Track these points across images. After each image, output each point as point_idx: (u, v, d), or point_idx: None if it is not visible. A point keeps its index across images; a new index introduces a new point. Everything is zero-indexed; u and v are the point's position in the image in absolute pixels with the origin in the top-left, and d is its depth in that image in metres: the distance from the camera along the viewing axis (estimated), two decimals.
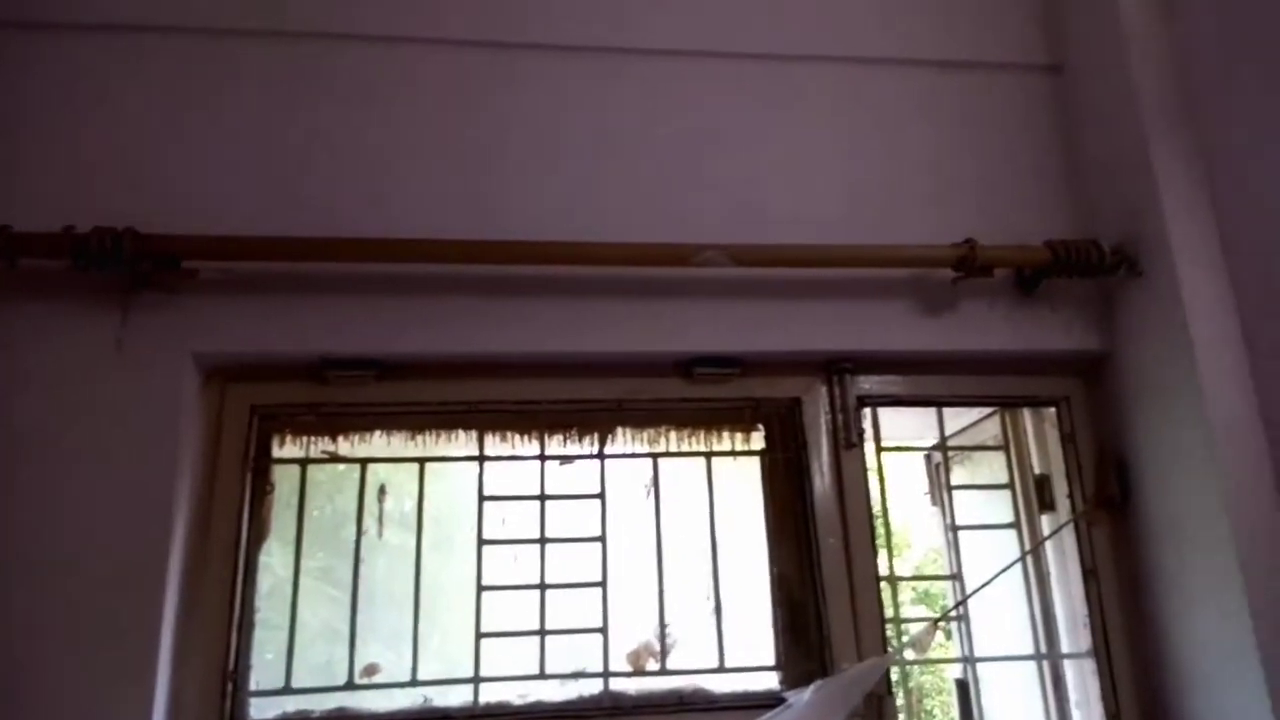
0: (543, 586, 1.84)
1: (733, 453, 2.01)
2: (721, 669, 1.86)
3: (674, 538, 1.92)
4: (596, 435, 1.96)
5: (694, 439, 2.00)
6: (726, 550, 1.94)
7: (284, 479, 1.84)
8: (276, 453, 1.85)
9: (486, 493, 1.89)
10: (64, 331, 1.71)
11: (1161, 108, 1.98)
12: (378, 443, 1.89)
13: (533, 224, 1.88)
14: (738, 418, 2.02)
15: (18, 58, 1.87)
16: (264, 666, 1.73)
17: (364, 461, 1.87)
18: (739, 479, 2.01)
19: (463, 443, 1.92)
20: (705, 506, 1.95)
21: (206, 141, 1.87)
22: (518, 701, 1.77)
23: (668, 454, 1.98)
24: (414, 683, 1.74)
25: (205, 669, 1.69)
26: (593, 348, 1.89)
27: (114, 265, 1.66)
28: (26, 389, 1.68)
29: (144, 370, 1.71)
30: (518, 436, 1.94)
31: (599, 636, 1.83)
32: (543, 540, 1.88)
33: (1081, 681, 2.01)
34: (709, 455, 1.99)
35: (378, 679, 1.76)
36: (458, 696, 1.75)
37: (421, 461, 1.88)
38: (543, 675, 1.79)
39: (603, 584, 1.86)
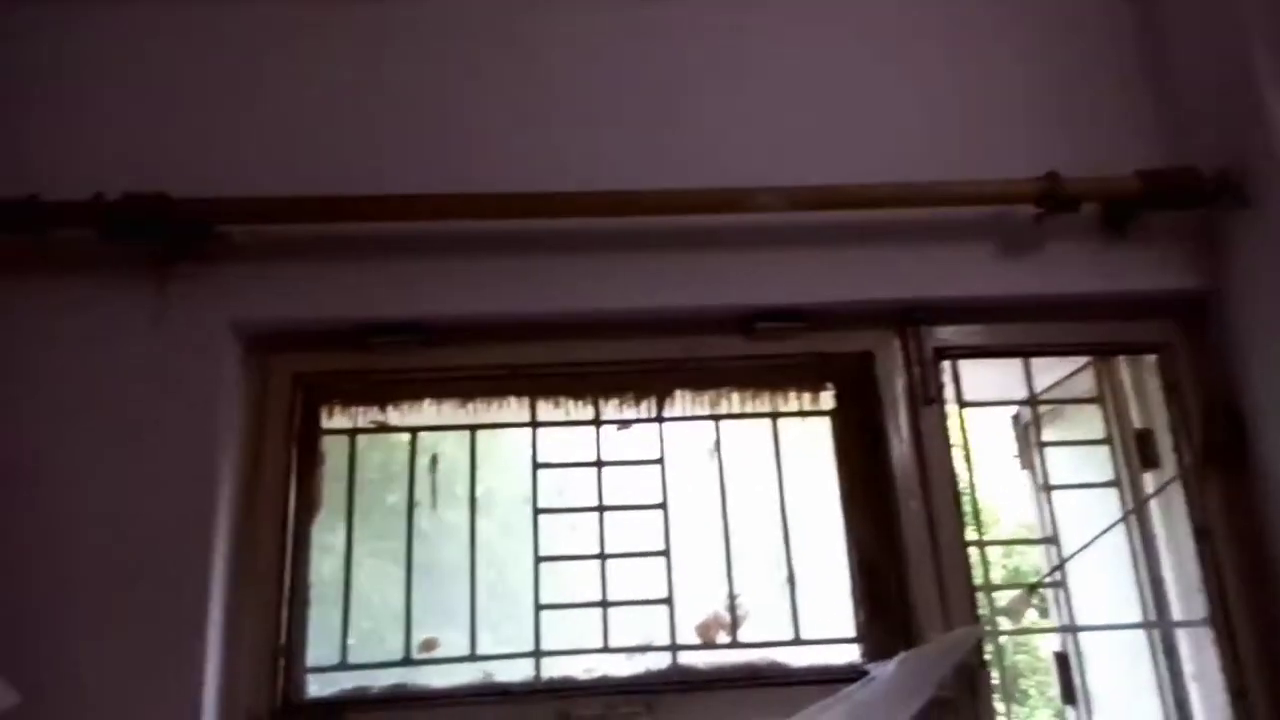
0: (603, 556, 1.75)
1: (800, 413, 1.88)
2: (797, 641, 1.74)
3: (740, 504, 1.81)
4: (654, 398, 1.86)
5: (758, 400, 1.88)
6: (797, 516, 1.82)
7: (334, 450, 1.79)
8: (325, 423, 1.80)
9: (540, 460, 1.80)
10: (99, 305, 1.67)
11: (1266, 17, 1.78)
12: (427, 411, 1.82)
13: (580, 174, 1.78)
14: (804, 375, 1.89)
15: (42, 24, 1.85)
16: (319, 642, 1.67)
17: (413, 430, 1.80)
18: (808, 441, 1.88)
19: (514, 409, 1.84)
20: (773, 470, 1.83)
21: (236, 101, 1.82)
22: (582, 676, 1.68)
23: (730, 416, 1.87)
24: (473, 657, 1.67)
25: (257, 646, 1.63)
26: (646, 304, 1.79)
27: (145, 233, 1.61)
28: (63, 367, 1.65)
29: (183, 342, 1.67)
30: (571, 401, 1.85)
31: (664, 608, 1.72)
32: (601, 508, 1.78)
33: (1197, 652, 1.82)
34: (774, 416, 1.87)
35: (436, 654, 1.69)
36: (519, 671, 1.67)
37: (472, 429, 1.81)
38: (607, 649, 1.69)
39: (666, 553, 1.76)
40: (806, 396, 1.89)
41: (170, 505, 1.60)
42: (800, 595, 1.76)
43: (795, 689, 1.68)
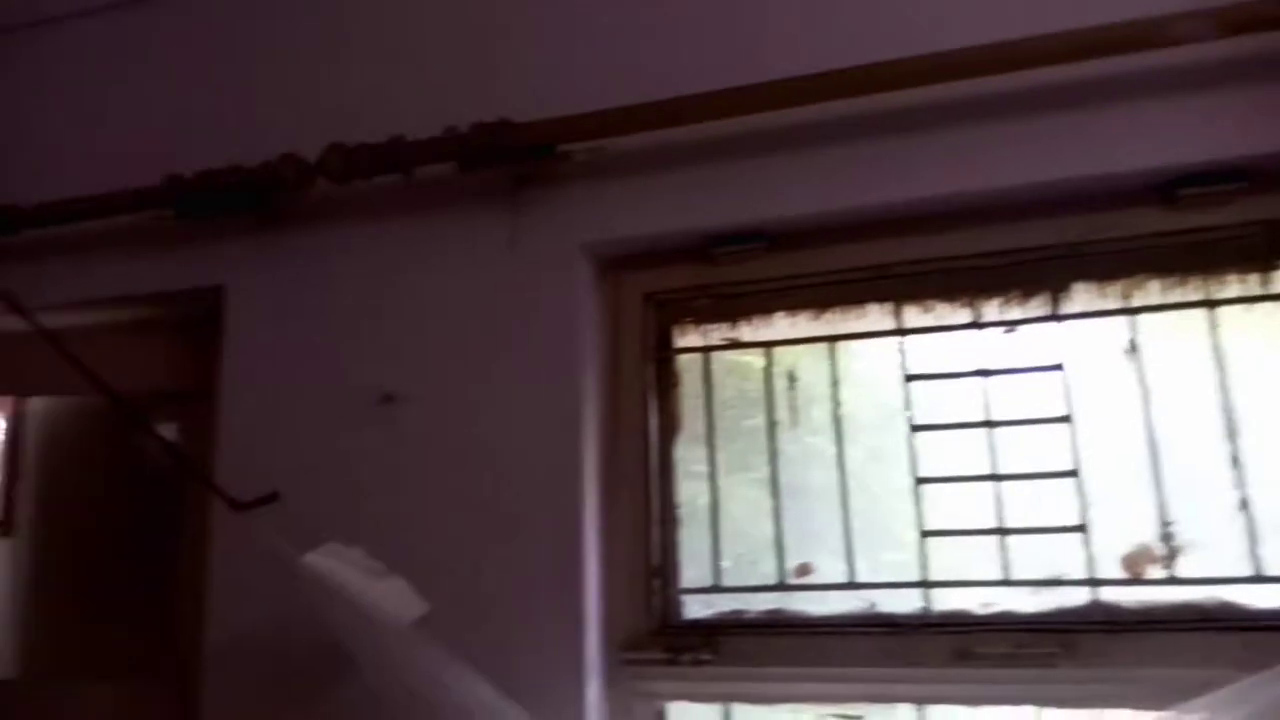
0: (996, 477, 1.51)
1: (1245, 299, 1.49)
2: (1258, 578, 1.39)
3: (1170, 414, 1.48)
4: (1047, 293, 1.57)
5: (1186, 286, 1.52)
6: (1249, 427, 1.45)
7: (689, 370, 1.72)
8: (678, 342, 1.73)
9: (911, 371, 1.60)
10: (457, 237, 1.72)
11: None
12: (780, 324, 1.69)
13: (936, 32, 1.51)
14: (1248, 251, 1.49)
15: None
16: (689, 564, 1.63)
17: (767, 345, 1.68)
18: (1256, 333, 1.49)
19: (876, 316, 1.65)
20: (1212, 372, 1.47)
21: (558, 16, 1.77)
22: (980, 610, 1.47)
23: (1149, 309, 1.53)
24: (852, 584, 1.53)
25: (630, 566, 1.62)
26: (1031, 179, 1.49)
27: (494, 160, 1.62)
28: (429, 300, 1.72)
29: (539, 267, 1.67)
30: (943, 303, 1.62)
31: (1078, 537, 1.46)
32: (990, 423, 1.54)
33: None
34: (1210, 305, 1.50)
35: (811, 579, 1.57)
36: (903, 602, 1.51)
37: (831, 340, 1.65)
38: (1008, 581, 1.47)
39: (1075, 473, 1.48)
40: (1253, 278, 1.49)
41: (538, 429, 1.61)
42: (1258, 522, 1.41)
43: (1257, 635, 1.36)
